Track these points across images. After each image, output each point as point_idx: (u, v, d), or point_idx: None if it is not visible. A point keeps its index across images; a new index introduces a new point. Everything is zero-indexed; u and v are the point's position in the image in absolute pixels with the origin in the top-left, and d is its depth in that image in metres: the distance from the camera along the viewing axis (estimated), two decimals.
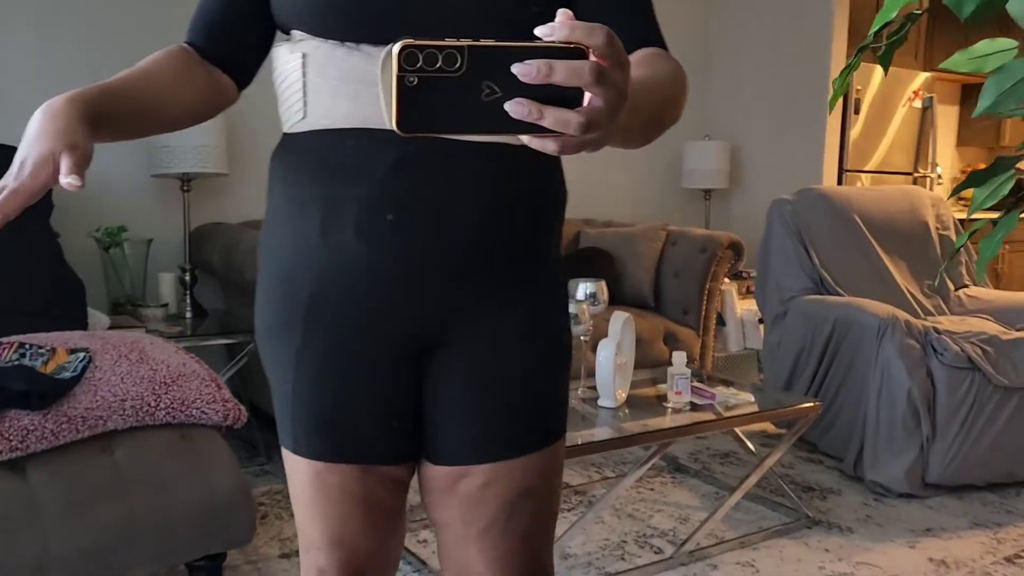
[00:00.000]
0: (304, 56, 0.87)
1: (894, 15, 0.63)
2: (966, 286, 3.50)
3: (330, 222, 0.88)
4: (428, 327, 0.90)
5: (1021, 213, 0.63)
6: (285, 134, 0.93)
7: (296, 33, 0.88)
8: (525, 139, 0.54)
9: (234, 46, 0.95)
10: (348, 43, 0.84)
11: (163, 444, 1.79)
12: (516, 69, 0.51)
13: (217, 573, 1.86)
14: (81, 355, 1.82)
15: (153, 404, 1.80)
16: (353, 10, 0.83)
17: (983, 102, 0.62)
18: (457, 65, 0.51)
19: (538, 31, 0.52)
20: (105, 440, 1.74)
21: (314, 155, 0.89)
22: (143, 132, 0.87)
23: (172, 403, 1.82)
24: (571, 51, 0.51)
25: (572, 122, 0.52)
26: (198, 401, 1.86)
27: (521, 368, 0.92)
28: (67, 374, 1.75)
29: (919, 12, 0.70)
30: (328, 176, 0.88)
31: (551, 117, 0.52)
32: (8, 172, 0.70)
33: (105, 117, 0.79)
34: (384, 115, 0.83)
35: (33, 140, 0.71)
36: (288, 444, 0.96)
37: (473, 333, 0.91)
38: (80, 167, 0.70)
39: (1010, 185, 0.67)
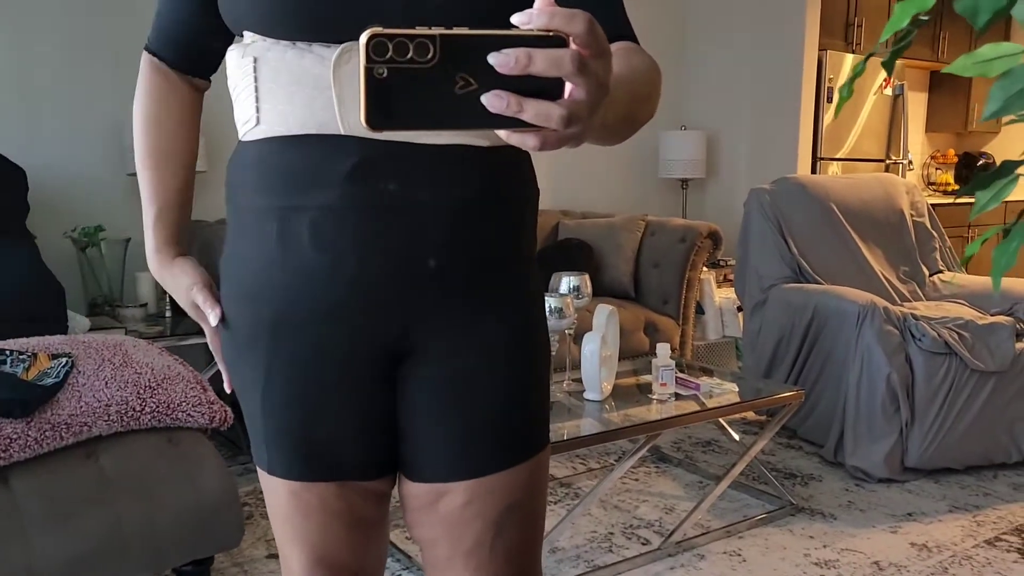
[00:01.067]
0: (255, 60, 0.82)
1: (906, 23, 0.63)
2: (940, 271, 3.56)
3: (288, 235, 0.84)
4: (397, 338, 0.86)
5: None
6: (240, 142, 0.89)
7: (247, 35, 0.84)
8: (503, 134, 0.51)
9: (201, 53, 0.96)
10: (300, 44, 0.80)
11: (149, 449, 1.76)
12: (493, 59, 0.48)
13: None
14: (63, 360, 1.79)
15: (138, 408, 1.77)
16: (301, 8, 0.78)
17: (990, 106, 0.63)
18: (429, 56, 0.48)
19: (515, 19, 0.49)
20: (90, 446, 1.71)
21: (269, 164, 0.84)
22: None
23: (157, 407, 1.80)
24: (550, 40, 0.48)
25: (554, 115, 0.49)
26: (184, 404, 1.84)
27: (499, 377, 0.89)
28: (49, 380, 1.72)
29: (925, 18, 0.71)
30: (284, 186, 0.83)
31: (531, 110, 0.49)
32: (196, 315, 0.98)
33: (176, 229, 1.03)
34: (338, 119, 0.79)
35: (167, 284, 1.02)
36: (263, 464, 0.93)
37: (445, 343, 0.87)
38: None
39: (1013, 188, 0.68)
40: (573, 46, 0.49)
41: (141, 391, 1.80)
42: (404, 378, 0.89)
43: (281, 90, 0.81)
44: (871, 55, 0.70)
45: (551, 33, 0.49)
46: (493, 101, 0.49)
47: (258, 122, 0.84)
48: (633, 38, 0.85)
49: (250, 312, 0.88)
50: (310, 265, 0.83)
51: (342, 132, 0.80)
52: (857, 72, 0.74)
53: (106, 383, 1.77)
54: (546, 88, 0.49)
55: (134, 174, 2.98)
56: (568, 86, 0.50)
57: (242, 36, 0.86)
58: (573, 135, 0.52)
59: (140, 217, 3.17)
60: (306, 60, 0.80)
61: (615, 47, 0.78)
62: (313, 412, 0.88)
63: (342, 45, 0.78)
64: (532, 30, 0.49)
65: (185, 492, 1.74)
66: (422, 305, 0.85)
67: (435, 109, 0.49)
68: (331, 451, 0.89)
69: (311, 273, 0.84)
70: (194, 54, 0.96)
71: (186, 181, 1.01)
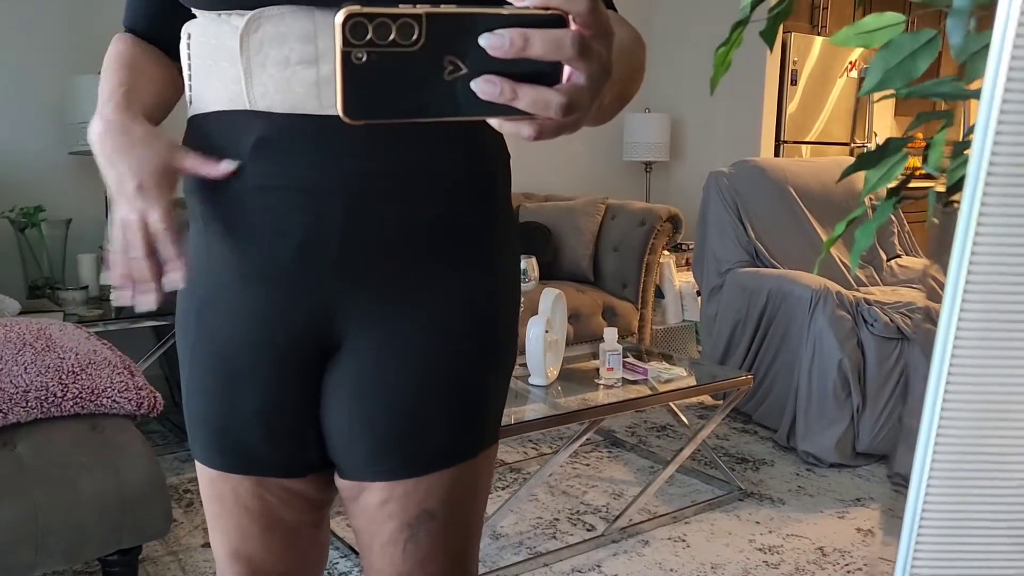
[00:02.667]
0: (189, 36, 0.80)
1: None
2: (898, 256, 3.55)
3: (206, 216, 0.81)
4: (315, 326, 0.81)
5: (898, 201, 0.60)
6: (187, 122, 0.86)
7: (193, 9, 0.80)
8: (495, 123, 0.47)
9: (170, 31, 0.88)
10: (223, 14, 0.76)
11: (69, 436, 1.71)
12: (485, 41, 0.43)
13: (132, 567, 1.79)
14: None
15: (59, 394, 1.71)
16: None
17: (869, 79, 0.59)
18: (414, 38, 0.43)
19: None
20: (7, 434, 1.66)
21: (194, 146, 0.81)
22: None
23: (80, 393, 1.74)
24: (548, 19, 0.44)
25: (552, 103, 0.45)
26: (109, 390, 1.78)
27: (425, 376, 0.82)
28: None
29: None
30: None
31: (527, 97, 0.44)
32: (127, 205, 0.75)
33: (146, 115, 0.81)
34: (244, 93, 0.75)
35: (122, 156, 0.75)
36: (191, 447, 0.91)
37: (366, 333, 0.81)
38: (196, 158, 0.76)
39: (902, 166, 0.65)
40: (574, 26, 0.45)
41: (63, 376, 1.74)
42: (329, 371, 0.85)
43: (204, 65, 0.78)
44: (741, 23, 0.66)
45: (549, 11, 0.44)
46: (485, 87, 0.44)
47: (190, 102, 0.82)
48: (613, 7, 0.80)
49: (186, 294, 0.86)
50: (226, 248, 0.80)
51: (248, 107, 0.76)
52: (731, 41, 0.70)
53: (25, 368, 1.71)
54: (543, 72, 0.44)
55: (77, 152, 2.90)
56: (567, 70, 0.45)
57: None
58: (572, 123, 0.47)
59: (84, 198, 3.09)
60: (223, 31, 0.76)
61: None
62: (228, 401, 0.84)
63: (251, 12, 0.73)
64: (528, 8, 0.44)
65: (107, 481, 1.69)
66: (338, 290, 0.80)
67: (421, 97, 0.44)
68: (247, 442, 0.85)
69: (227, 258, 0.80)
70: (170, 28, 0.89)
71: (161, 99, 0.88)
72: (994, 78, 0.45)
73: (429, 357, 0.83)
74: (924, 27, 0.53)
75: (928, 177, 3.49)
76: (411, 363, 0.82)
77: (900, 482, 2.61)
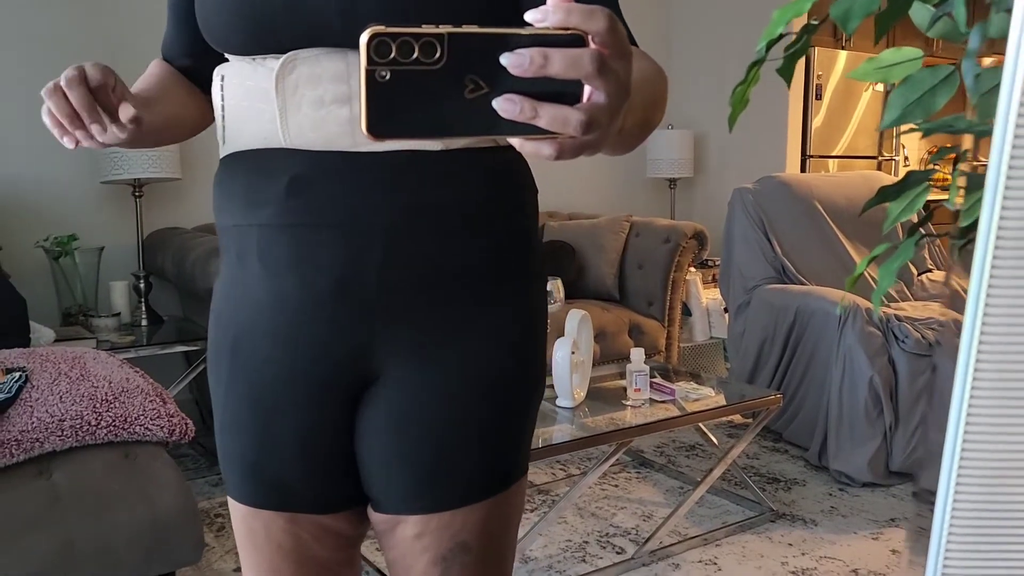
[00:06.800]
0: (222, 78, 0.82)
1: (780, 31, 0.59)
2: (929, 271, 3.51)
3: (242, 253, 0.83)
4: (351, 362, 0.82)
5: (919, 239, 0.60)
6: (220, 161, 0.88)
7: (225, 54, 0.83)
8: (516, 142, 0.47)
9: (206, 67, 0.91)
10: (257, 58, 0.79)
11: (104, 464, 1.73)
12: (505, 60, 0.44)
13: None
14: (17, 375, 1.77)
15: (93, 423, 1.74)
16: (247, 21, 0.77)
17: (889, 114, 0.59)
18: (436, 56, 0.44)
19: (529, 15, 0.45)
20: (42, 463, 1.68)
21: (230, 182, 0.84)
22: (161, 140, 0.90)
23: (114, 420, 1.77)
24: (568, 38, 0.44)
25: (572, 120, 0.45)
26: (142, 417, 1.81)
27: (461, 411, 0.83)
28: (1, 395, 1.69)
29: (816, 23, 0.67)
30: (237, 204, 0.83)
31: (547, 115, 0.45)
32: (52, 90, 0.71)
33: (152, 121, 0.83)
34: (279, 131, 0.77)
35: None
36: (225, 482, 0.92)
37: (403, 368, 0.82)
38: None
39: (924, 198, 0.65)
40: (592, 45, 0.45)
41: (97, 405, 1.77)
42: (364, 404, 0.85)
43: (240, 105, 0.81)
44: (756, 63, 0.66)
45: (569, 31, 0.44)
46: (505, 106, 0.44)
47: (224, 140, 0.84)
48: (632, 41, 0.81)
49: (219, 329, 0.87)
50: (261, 285, 0.82)
51: (283, 145, 0.78)
52: (749, 80, 0.71)
53: (60, 397, 1.74)
54: (563, 91, 0.45)
55: (107, 182, 2.95)
56: (587, 89, 0.46)
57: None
58: (592, 142, 0.48)
59: (115, 226, 3.15)
60: (259, 73, 0.79)
61: None
62: (263, 437, 0.85)
63: (287, 54, 0.76)
64: (548, 28, 0.45)
65: (140, 508, 1.71)
66: (373, 327, 0.81)
67: (442, 115, 0.45)
68: (281, 478, 0.86)
69: (262, 294, 0.82)
70: (195, 68, 0.94)
71: (178, 119, 0.91)
72: (1005, 116, 0.45)
73: (465, 392, 0.83)
74: (948, 60, 0.53)
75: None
76: (447, 398, 0.83)
77: (927, 499, 2.56)
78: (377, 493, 0.87)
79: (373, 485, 0.87)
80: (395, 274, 0.79)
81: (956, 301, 3.07)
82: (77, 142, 0.73)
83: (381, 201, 0.78)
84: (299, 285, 0.80)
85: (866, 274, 3.27)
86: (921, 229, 0.67)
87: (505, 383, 0.85)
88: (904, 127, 0.58)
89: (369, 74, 0.44)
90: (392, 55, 0.43)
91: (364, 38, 0.43)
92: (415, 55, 0.44)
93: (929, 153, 5.98)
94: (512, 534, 0.92)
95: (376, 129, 0.45)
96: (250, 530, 0.90)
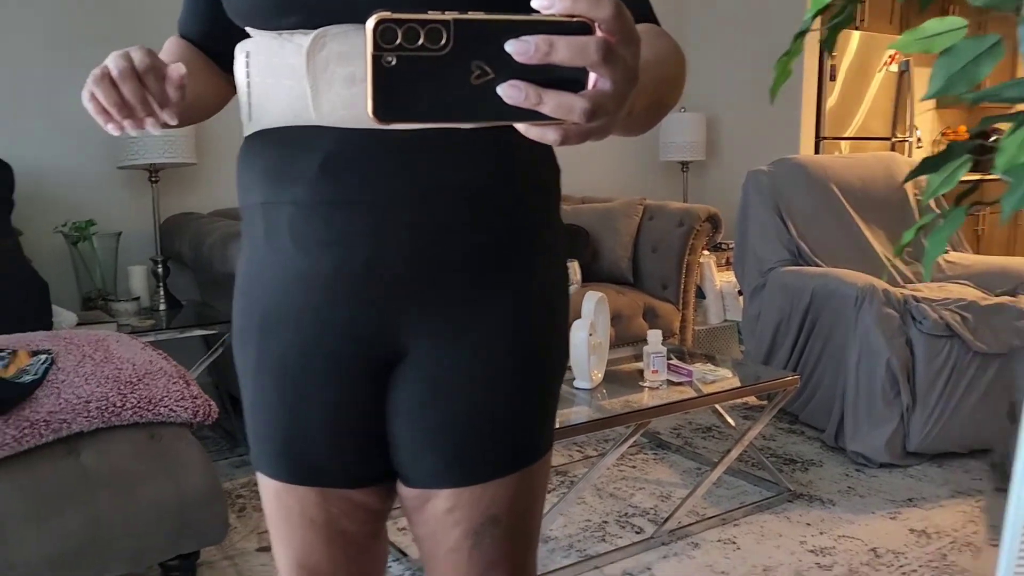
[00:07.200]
0: (247, 55, 0.82)
1: (828, 0, 0.59)
2: (946, 251, 3.49)
3: (271, 230, 0.83)
4: (383, 341, 0.83)
5: (969, 208, 0.60)
6: (244, 138, 0.88)
7: (248, 29, 0.83)
8: (522, 128, 0.48)
9: (225, 46, 0.91)
10: (284, 34, 0.78)
11: (130, 445, 1.75)
12: (511, 47, 0.44)
13: (191, 572, 1.84)
14: (43, 357, 1.78)
15: (119, 404, 1.76)
16: None
17: (933, 85, 0.59)
18: (442, 42, 0.44)
19: (536, 3, 0.45)
20: (70, 443, 1.71)
21: (256, 159, 0.84)
22: (187, 120, 0.88)
23: (139, 402, 1.79)
24: (574, 25, 0.45)
25: (576, 108, 0.45)
26: (166, 399, 1.83)
27: (488, 385, 0.84)
28: (28, 377, 1.71)
29: None
30: (266, 181, 0.83)
31: (552, 102, 0.45)
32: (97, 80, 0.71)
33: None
34: (311, 108, 0.77)
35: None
36: (253, 459, 0.92)
37: (431, 345, 0.83)
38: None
39: (965, 170, 0.65)
40: (599, 32, 0.46)
41: (122, 387, 1.79)
42: (393, 381, 0.86)
43: (266, 82, 0.80)
44: (801, 33, 0.66)
45: (575, 18, 0.45)
46: (510, 92, 0.45)
47: (250, 117, 0.83)
48: (655, 20, 0.81)
49: (246, 308, 0.87)
50: (291, 263, 0.82)
51: (314, 122, 0.78)
52: (792, 51, 0.71)
53: (86, 379, 1.76)
54: (569, 78, 0.45)
55: (124, 167, 2.97)
56: (593, 76, 0.46)
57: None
58: (598, 128, 0.48)
59: (132, 210, 3.17)
60: (286, 50, 0.78)
61: (639, 29, 0.74)
62: (294, 414, 0.86)
63: (316, 31, 0.76)
64: (554, 15, 0.45)
65: (166, 488, 1.74)
66: (402, 305, 0.82)
67: (448, 100, 0.45)
68: (312, 454, 0.87)
69: (292, 271, 0.82)
70: (225, 43, 0.92)
71: (195, 95, 0.89)
72: None
73: (492, 367, 0.84)
74: (992, 30, 0.53)
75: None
76: (475, 374, 0.84)
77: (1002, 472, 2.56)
78: (407, 469, 0.88)
79: (403, 461, 0.88)
80: (424, 252, 0.80)
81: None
82: (122, 128, 0.74)
83: (413, 179, 0.78)
84: (331, 263, 0.80)
85: (882, 255, 3.26)
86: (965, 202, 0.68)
87: (530, 357, 0.86)
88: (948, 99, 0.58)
89: (375, 60, 0.44)
90: (398, 41, 0.44)
91: (370, 24, 0.44)
92: (421, 41, 0.44)
93: (943, 134, 5.94)
94: (539, 509, 0.94)
95: (382, 114, 0.45)
96: (283, 506, 0.90)
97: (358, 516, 0.91)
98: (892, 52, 4.60)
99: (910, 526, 2.28)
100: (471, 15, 0.44)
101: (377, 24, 0.44)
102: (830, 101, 4.39)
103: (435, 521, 0.89)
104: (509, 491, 0.88)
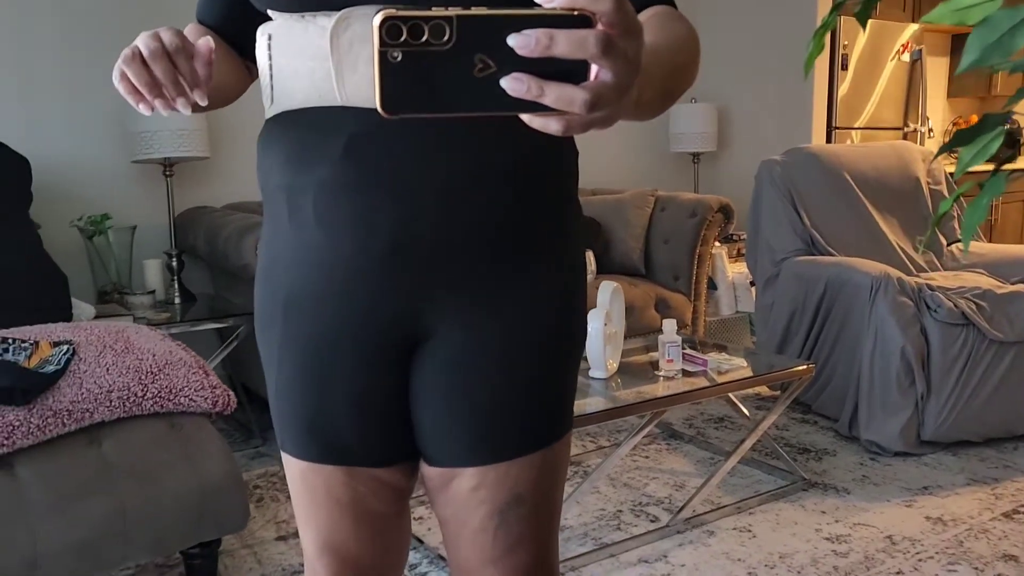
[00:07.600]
0: (269, 37, 0.82)
1: None
2: (959, 240, 3.48)
3: (295, 212, 0.84)
4: (407, 321, 0.84)
5: (1009, 174, 0.60)
6: (265, 121, 0.89)
7: (270, 12, 0.83)
8: (525, 118, 0.49)
9: (244, 32, 0.91)
10: (307, 16, 0.79)
11: (151, 434, 1.77)
12: (512, 41, 0.46)
13: (212, 560, 1.85)
14: (64, 348, 1.80)
15: (140, 394, 1.77)
16: None
17: (967, 56, 0.59)
18: (446, 38, 0.46)
19: None
20: (92, 432, 1.72)
21: (280, 142, 0.84)
22: (211, 106, 0.88)
23: (159, 392, 1.80)
24: (575, 19, 0.46)
25: (577, 99, 0.47)
26: (186, 389, 1.84)
27: (513, 367, 0.85)
28: (51, 367, 1.73)
29: None
30: (289, 163, 0.83)
31: (553, 94, 0.47)
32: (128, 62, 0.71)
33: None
34: (335, 89, 0.78)
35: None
36: (279, 441, 0.93)
37: (455, 326, 0.84)
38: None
39: (998, 143, 0.65)
40: (600, 25, 0.47)
41: (143, 377, 1.80)
42: (417, 362, 0.87)
43: (289, 64, 0.81)
44: (838, 5, 0.66)
45: (576, 12, 0.46)
46: (512, 84, 0.47)
47: (272, 100, 0.84)
48: (671, 2, 0.81)
49: (269, 291, 0.88)
50: (315, 244, 0.83)
51: (339, 103, 0.78)
52: (827, 24, 0.71)
53: (107, 369, 1.78)
54: (570, 70, 0.47)
55: (139, 160, 2.98)
56: (594, 68, 0.48)
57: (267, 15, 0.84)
58: (601, 118, 0.50)
59: (147, 204, 3.18)
60: (310, 31, 0.78)
61: (650, 14, 0.74)
62: (320, 394, 0.87)
63: (340, 12, 0.76)
64: (555, 9, 0.46)
65: (187, 477, 1.75)
66: (427, 287, 0.82)
67: (453, 93, 0.47)
68: (338, 434, 0.88)
69: (316, 253, 0.83)
70: (243, 29, 0.92)
71: (216, 80, 0.88)
72: None
73: (515, 347, 0.85)
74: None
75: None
76: (498, 353, 0.85)
77: None
78: (432, 448, 0.89)
79: (428, 441, 0.89)
80: (448, 234, 0.81)
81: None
82: (152, 108, 0.74)
83: (437, 161, 0.79)
84: (356, 244, 0.81)
85: (897, 247, 3.25)
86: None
87: (552, 337, 0.87)
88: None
89: (382, 55, 0.46)
90: (403, 37, 0.46)
91: (376, 21, 0.45)
92: (425, 37, 0.46)
93: (954, 124, 5.91)
94: (560, 489, 0.95)
95: (389, 106, 0.47)
96: (309, 486, 0.91)
97: (384, 495, 0.92)
98: (905, 41, 4.57)
99: (926, 513, 2.28)
100: (474, 11, 0.46)
101: (383, 21, 0.45)
102: (842, 90, 4.37)
103: (460, 500, 0.90)
104: (533, 470, 0.89)
